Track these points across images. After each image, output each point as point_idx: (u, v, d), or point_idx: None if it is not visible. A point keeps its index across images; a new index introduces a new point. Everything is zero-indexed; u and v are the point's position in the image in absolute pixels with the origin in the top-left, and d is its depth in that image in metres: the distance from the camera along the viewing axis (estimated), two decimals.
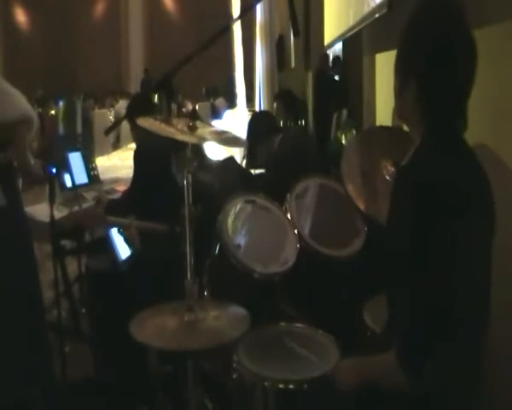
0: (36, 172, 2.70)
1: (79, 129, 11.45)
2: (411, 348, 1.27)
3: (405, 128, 1.69)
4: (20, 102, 2.59)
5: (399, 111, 1.46)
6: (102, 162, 5.97)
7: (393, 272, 1.38)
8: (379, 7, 3.33)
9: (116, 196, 3.57)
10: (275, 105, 6.06)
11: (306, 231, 2.33)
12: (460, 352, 1.31)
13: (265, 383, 1.74)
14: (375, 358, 1.42)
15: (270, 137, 3.53)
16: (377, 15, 3.35)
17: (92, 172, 3.71)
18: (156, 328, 1.71)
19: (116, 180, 4.24)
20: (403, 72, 1.40)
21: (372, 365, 1.41)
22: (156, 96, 3.18)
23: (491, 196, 1.37)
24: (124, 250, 2.92)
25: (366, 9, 3.85)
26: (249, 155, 4.07)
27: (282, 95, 6.29)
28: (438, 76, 1.33)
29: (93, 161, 3.79)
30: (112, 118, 10.97)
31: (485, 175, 1.37)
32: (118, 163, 6.18)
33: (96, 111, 12.52)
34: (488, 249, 1.36)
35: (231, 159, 3.43)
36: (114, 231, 2.94)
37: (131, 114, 2.64)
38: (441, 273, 1.25)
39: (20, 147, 2.61)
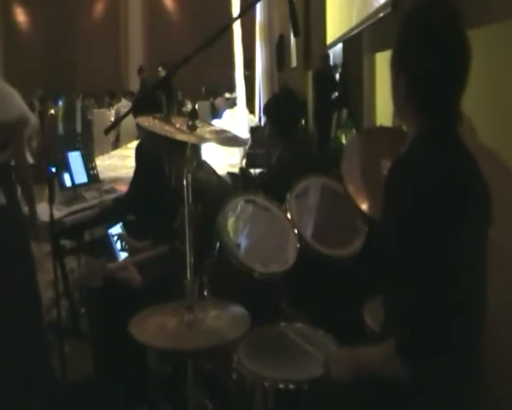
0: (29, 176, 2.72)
1: (79, 128, 11.45)
2: (411, 337, 1.26)
3: (406, 128, 1.69)
4: (19, 102, 2.60)
5: (396, 108, 1.47)
6: (102, 162, 5.94)
7: (389, 269, 1.37)
8: (383, 6, 3.33)
9: (116, 194, 3.57)
10: None
11: (306, 230, 2.33)
12: (459, 342, 1.30)
13: (265, 383, 1.74)
14: (372, 347, 1.42)
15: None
16: (381, 15, 3.35)
17: (92, 172, 3.71)
18: (156, 327, 1.71)
19: (116, 179, 4.24)
20: (398, 69, 1.41)
21: (368, 353, 1.41)
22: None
23: (487, 187, 1.38)
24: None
25: (370, 10, 3.85)
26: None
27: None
28: (432, 74, 1.34)
29: (92, 161, 3.80)
30: (112, 117, 10.96)
31: (479, 168, 1.38)
32: (117, 162, 6.15)
33: (96, 110, 12.48)
34: (485, 241, 1.37)
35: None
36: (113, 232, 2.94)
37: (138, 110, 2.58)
38: (440, 268, 1.25)
39: (18, 147, 2.61)
